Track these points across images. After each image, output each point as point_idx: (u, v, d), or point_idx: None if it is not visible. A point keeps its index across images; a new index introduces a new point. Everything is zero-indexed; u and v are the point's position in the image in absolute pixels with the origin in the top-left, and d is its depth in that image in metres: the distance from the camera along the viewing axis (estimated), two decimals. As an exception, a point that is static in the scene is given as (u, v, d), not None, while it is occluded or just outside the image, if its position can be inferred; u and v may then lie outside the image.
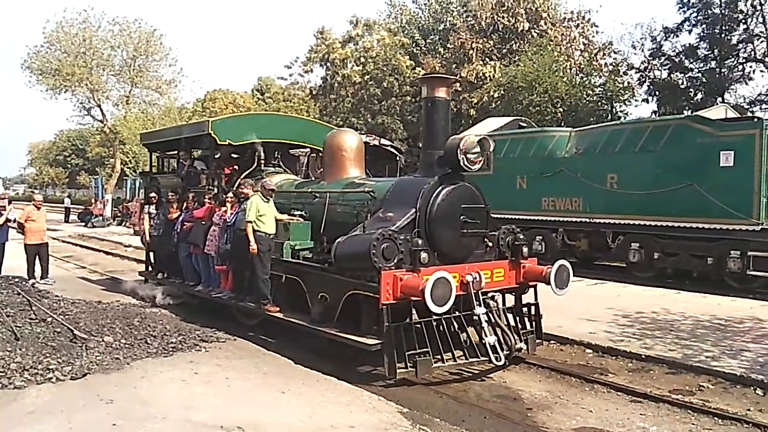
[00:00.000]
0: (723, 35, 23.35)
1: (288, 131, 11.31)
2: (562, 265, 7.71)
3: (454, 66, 28.82)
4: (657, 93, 25.19)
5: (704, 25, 24.14)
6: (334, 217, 8.57)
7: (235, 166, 10.79)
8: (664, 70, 25.55)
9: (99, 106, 36.29)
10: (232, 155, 10.98)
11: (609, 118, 22.87)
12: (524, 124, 18.47)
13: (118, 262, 18.23)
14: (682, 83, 24.99)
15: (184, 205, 10.81)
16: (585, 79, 25.09)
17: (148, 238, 11.63)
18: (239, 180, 10.12)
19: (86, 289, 12.67)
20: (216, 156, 10.51)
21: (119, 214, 32.29)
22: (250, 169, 10.43)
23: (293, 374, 6.87)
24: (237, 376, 6.58)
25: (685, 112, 21.72)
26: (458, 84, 27.46)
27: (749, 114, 18.51)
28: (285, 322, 8.16)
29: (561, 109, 23.55)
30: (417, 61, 31.76)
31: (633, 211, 13.49)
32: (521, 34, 28.00)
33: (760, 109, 23.26)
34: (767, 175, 11.70)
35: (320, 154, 10.08)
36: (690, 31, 24.66)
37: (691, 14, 24.31)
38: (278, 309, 8.29)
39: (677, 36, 24.92)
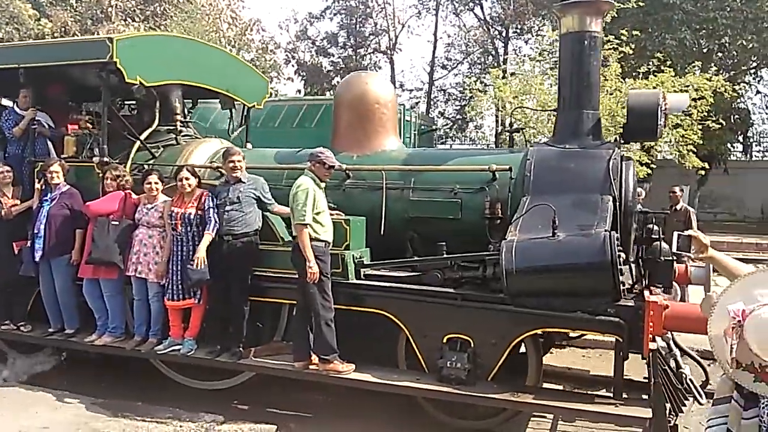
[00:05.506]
0: (357, 26, 26.31)
1: (217, 74, 7.18)
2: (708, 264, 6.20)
3: (89, 23, 25.95)
4: (303, 73, 27.11)
5: (343, 15, 26.66)
6: (408, 210, 5.76)
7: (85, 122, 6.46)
8: (309, 52, 27.64)
9: None
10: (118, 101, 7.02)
11: (261, 94, 23.66)
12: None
13: None
14: (324, 66, 27.35)
15: (38, 186, 6.06)
16: (236, 53, 25.40)
17: None
18: (136, 146, 6.27)
19: None
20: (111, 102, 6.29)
21: None
22: (151, 129, 6.52)
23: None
24: None
25: (327, 93, 23.89)
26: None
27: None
28: (402, 390, 4.93)
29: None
30: (42, 12, 27.63)
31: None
32: (166, -3, 26.75)
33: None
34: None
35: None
36: (332, 19, 27.05)
37: (332, 3, 26.58)
38: (353, 367, 5.08)
39: (320, 21, 27.22)
